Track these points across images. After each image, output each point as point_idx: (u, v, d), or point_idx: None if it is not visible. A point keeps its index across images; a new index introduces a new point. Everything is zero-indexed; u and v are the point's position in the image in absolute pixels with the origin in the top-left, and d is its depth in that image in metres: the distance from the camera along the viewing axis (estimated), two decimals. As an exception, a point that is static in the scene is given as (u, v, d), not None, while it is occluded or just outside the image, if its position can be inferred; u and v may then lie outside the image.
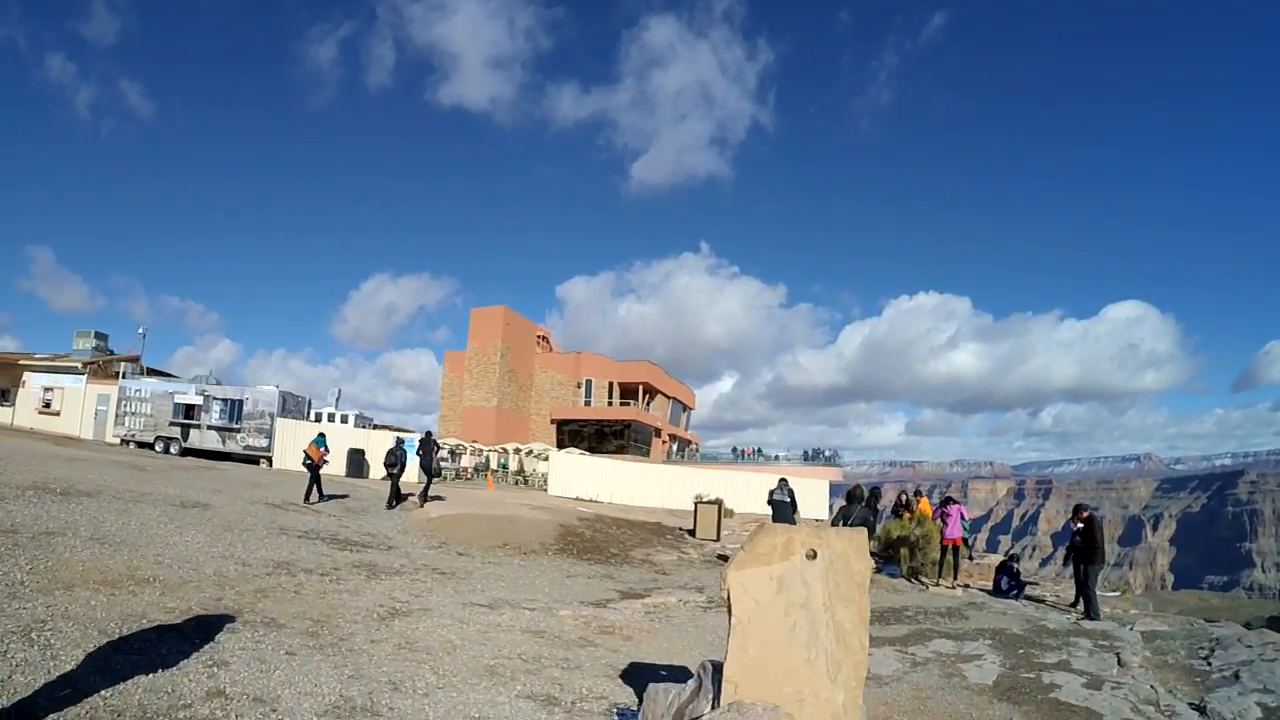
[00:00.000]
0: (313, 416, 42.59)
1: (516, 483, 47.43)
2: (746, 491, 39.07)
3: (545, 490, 38.13)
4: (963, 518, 18.98)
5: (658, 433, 75.65)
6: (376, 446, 34.25)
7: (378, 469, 32.57)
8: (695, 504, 25.26)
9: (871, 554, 17.04)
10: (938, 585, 18.32)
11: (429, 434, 27.38)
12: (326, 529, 17.31)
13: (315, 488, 21.57)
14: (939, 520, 19.11)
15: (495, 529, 19.25)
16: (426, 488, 23.84)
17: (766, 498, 18.15)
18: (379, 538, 17.21)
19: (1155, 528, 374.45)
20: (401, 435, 35.28)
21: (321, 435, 24.02)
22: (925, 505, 25.39)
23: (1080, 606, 16.22)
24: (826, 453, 72.70)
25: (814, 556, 5.85)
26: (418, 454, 25.24)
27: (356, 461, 33.02)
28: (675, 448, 79.45)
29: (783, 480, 18.42)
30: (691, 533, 24.62)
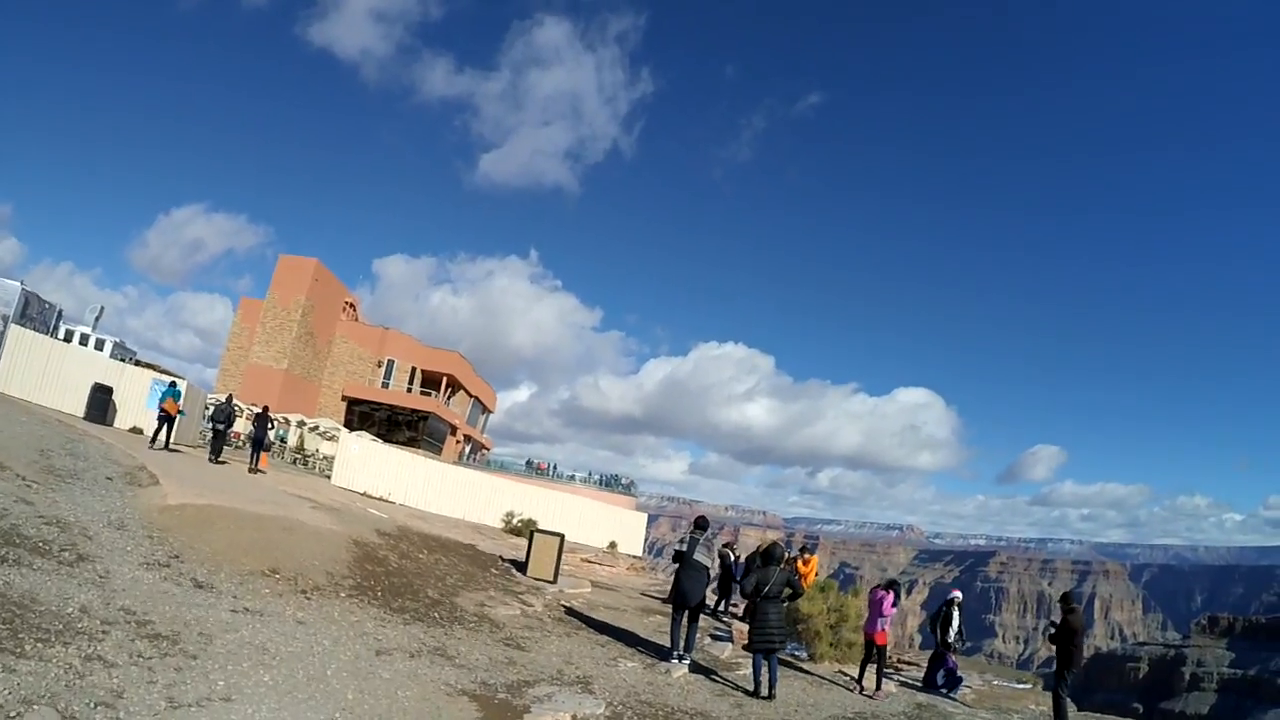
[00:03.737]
0: (61, 334, 33.44)
1: (294, 462, 39.49)
2: (556, 514, 33.27)
3: (328, 477, 30.79)
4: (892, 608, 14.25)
5: (454, 430, 68.57)
6: (131, 386, 26.16)
7: (128, 414, 25.47)
8: (531, 533, 19.18)
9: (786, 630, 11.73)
10: (876, 692, 13.58)
11: (266, 409, 26.04)
12: (-11, 504, 10.25)
13: (165, 435, 21.91)
14: (871, 613, 14.18)
15: (262, 539, 12.40)
16: (255, 457, 23.82)
17: (682, 551, 12.19)
18: (72, 531, 10.24)
19: (909, 592, 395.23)
20: (175, 380, 27.42)
21: (174, 385, 23.86)
22: (814, 565, 20.63)
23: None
24: (624, 481, 67.93)
25: None
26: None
27: (101, 402, 24.71)
28: (469, 449, 72.52)
29: (704, 526, 12.55)
30: (520, 567, 18.57)
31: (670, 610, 12.92)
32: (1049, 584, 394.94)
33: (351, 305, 68.65)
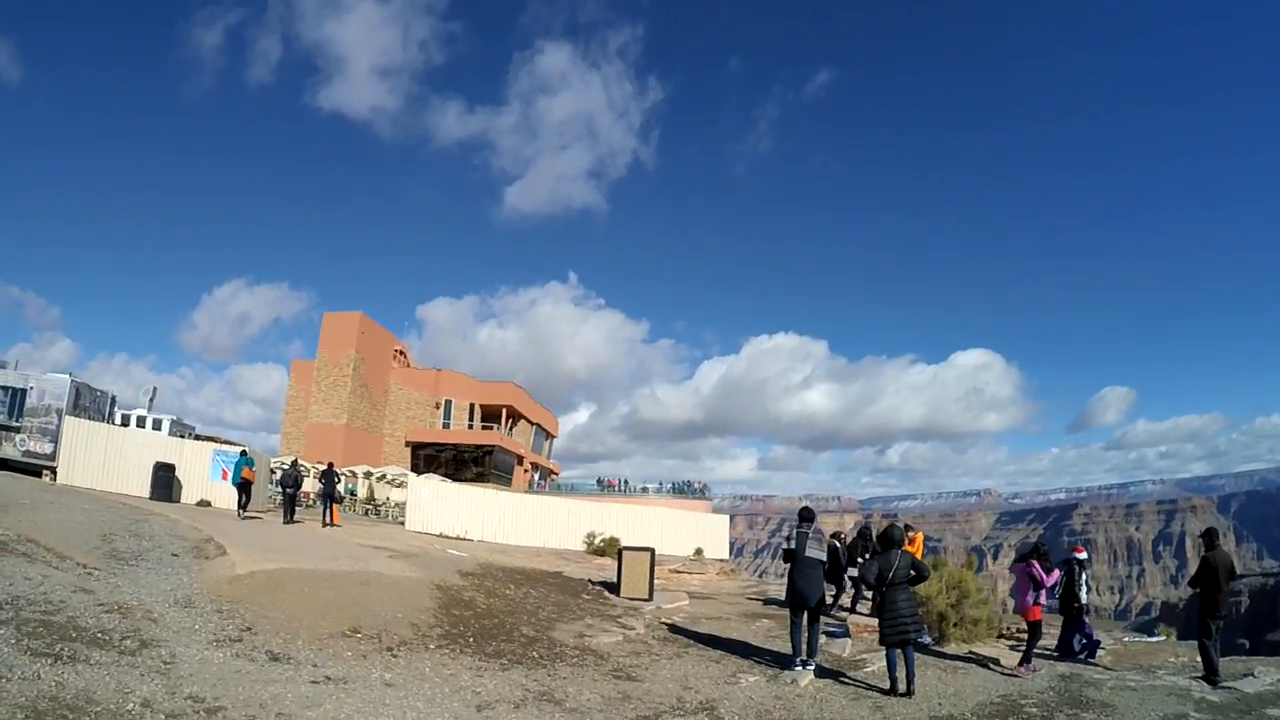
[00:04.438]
0: (118, 418, 33.34)
1: (366, 513, 38.97)
2: (636, 528, 32.27)
3: (402, 524, 30.12)
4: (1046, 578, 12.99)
5: (520, 460, 67.96)
6: (193, 460, 25.82)
7: (193, 488, 25.39)
8: (619, 551, 18.06)
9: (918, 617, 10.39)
10: (1018, 668, 12.46)
11: (331, 465, 26.98)
12: (51, 594, 9.49)
13: (244, 501, 23.42)
14: (1031, 579, 12.92)
15: (340, 598, 11.49)
16: (327, 512, 24.61)
17: (791, 549, 11.10)
18: (134, 615, 9.38)
19: (995, 557, 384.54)
20: (245, 450, 27.23)
21: (245, 453, 24.77)
22: (919, 544, 19.18)
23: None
24: (696, 485, 66.76)
25: None
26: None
27: (164, 480, 24.39)
28: (537, 476, 71.86)
29: (809, 518, 11.45)
30: (612, 588, 17.53)
31: (787, 613, 11.78)
32: (1135, 529, 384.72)
33: (402, 353, 68.53)
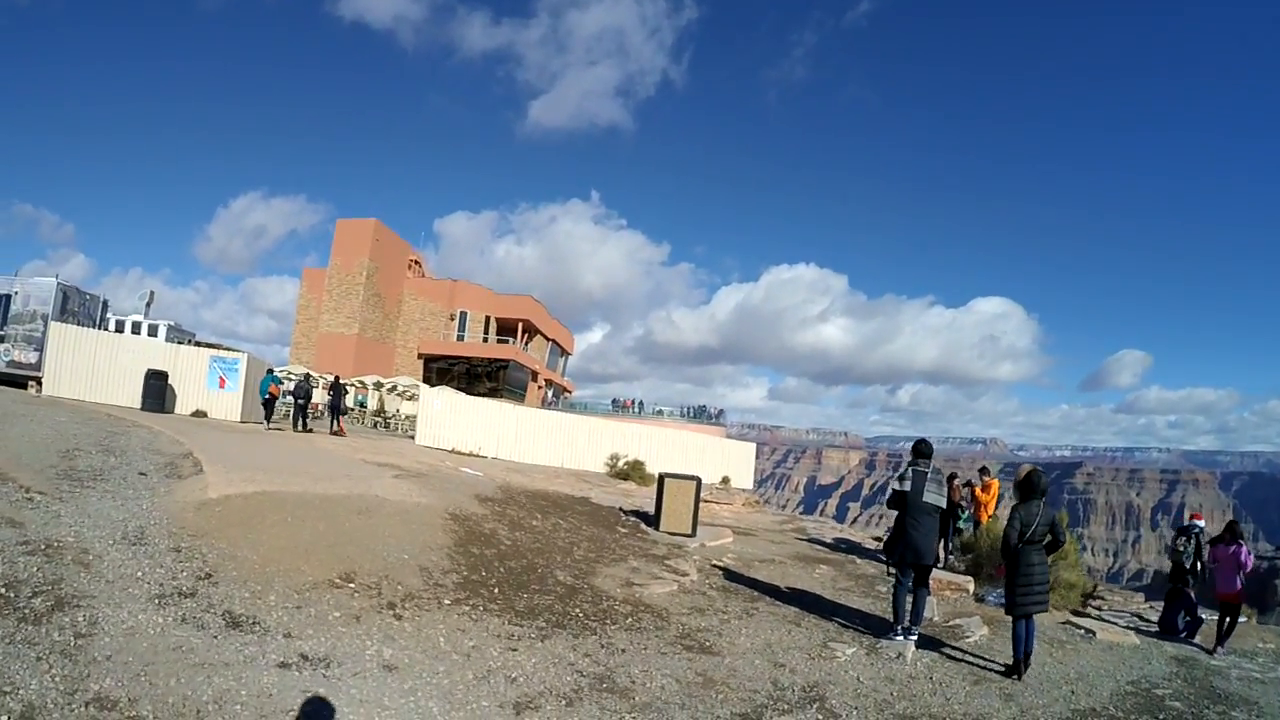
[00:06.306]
0: (111, 324, 31.04)
1: (375, 425, 36.86)
2: (659, 452, 30.12)
3: (412, 438, 27.91)
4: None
5: (534, 377, 65.72)
6: (186, 368, 23.52)
7: (189, 398, 23.18)
8: (661, 478, 15.54)
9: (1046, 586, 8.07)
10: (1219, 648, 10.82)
11: (338, 378, 28.29)
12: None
13: (269, 415, 23.18)
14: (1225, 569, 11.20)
15: (331, 532, 9.07)
16: (334, 423, 25.69)
17: (904, 491, 8.53)
18: (61, 560, 6.97)
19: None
20: (233, 355, 25.25)
21: (271, 371, 24.40)
22: (995, 492, 16.79)
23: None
24: (712, 411, 64.55)
25: None
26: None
27: (156, 389, 22.05)
28: (551, 394, 69.77)
29: (927, 454, 8.80)
30: (648, 519, 15.28)
31: (843, 557, 9.44)
32: (1137, 494, 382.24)
33: (417, 263, 65.78)
